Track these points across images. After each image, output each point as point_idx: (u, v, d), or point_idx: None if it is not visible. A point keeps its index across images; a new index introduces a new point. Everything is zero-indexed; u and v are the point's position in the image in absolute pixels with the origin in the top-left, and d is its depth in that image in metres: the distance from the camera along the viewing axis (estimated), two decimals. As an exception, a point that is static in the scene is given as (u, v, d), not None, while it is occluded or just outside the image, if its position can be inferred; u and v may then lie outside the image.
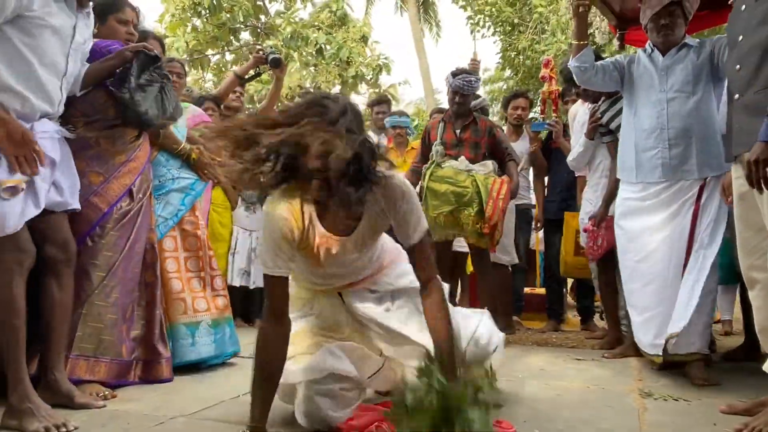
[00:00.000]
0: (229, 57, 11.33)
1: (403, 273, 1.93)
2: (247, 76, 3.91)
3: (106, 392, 2.14)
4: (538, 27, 10.06)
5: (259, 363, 1.62)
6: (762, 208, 1.89)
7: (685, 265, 2.52)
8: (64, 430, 1.73)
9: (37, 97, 1.92)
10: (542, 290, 4.77)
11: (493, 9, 10.50)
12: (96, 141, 2.28)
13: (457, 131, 3.55)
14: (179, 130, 2.86)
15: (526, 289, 4.92)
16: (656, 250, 2.59)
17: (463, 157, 3.47)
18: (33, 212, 1.88)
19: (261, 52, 3.80)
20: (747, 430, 1.76)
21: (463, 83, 3.52)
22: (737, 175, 1.99)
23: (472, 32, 10.76)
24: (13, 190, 1.80)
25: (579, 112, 3.69)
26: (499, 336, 1.91)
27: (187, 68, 3.60)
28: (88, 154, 2.26)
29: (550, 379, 2.54)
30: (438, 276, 1.74)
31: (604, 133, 3.31)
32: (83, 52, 2.18)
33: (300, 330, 1.86)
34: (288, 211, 1.62)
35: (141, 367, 2.41)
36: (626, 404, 2.12)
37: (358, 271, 1.87)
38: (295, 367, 1.73)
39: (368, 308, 1.89)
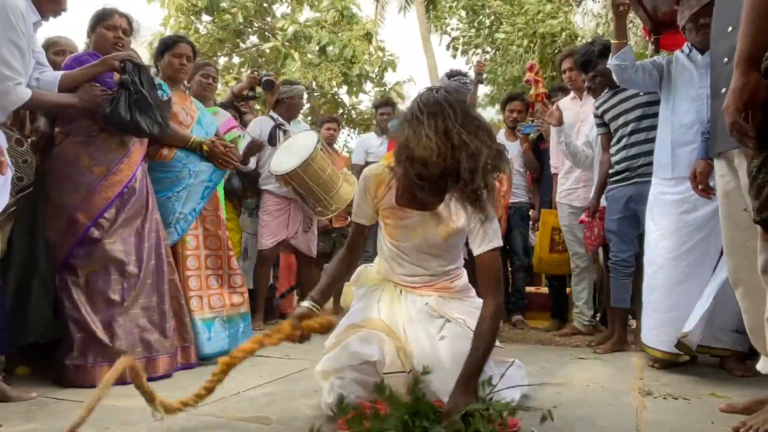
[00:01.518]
0: (236, 60, 11.38)
1: (470, 313, 1.94)
2: (244, 94, 4.10)
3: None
4: (502, 50, 10.54)
5: (329, 269, 2.12)
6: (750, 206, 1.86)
7: (716, 265, 2.52)
8: None
9: None
10: (546, 289, 4.77)
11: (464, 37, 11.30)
12: (75, 156, 2.38)
13: None
14: (206, 130, 2.91)
15: (531, 289, 4.92)
16: (694, 248, 2.58)
17: None
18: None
19: (256, 73, 4.02)
20: (744, 428, 1.75)
21: (458, 85, 3.58)
22: (722, 173, 1.93)
23: (454, 56, 11.40)
24: None
25: (564, 107, 3.75)
26: (519, 390, 1.95)
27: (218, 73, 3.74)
28: (69, 170, 2.36)
29: (551, 376, 2.54)
30: (498, 296, 1.83)
31: (599, 124, 3.35)
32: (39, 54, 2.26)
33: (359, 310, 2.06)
34: (376, 175, 1.99)
35: (179, 353, 2.58)
36: (625, 402, 2.11)
37: (429, 267, 2.03)
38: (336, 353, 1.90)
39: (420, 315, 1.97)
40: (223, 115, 3.52)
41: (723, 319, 2.52)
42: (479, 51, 11.26)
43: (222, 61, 11.22)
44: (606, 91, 3.29)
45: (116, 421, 1.80)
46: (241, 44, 11.11)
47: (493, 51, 11.16)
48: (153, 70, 3.03)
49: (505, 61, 10.57)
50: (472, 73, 4.05)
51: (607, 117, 3.26)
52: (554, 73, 8.87)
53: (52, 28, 22.64)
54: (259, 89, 4.18)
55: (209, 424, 1.81)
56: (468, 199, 1.68)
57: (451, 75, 3.65)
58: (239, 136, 3.61)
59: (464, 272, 2.15)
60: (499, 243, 1.87)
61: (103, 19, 2.56)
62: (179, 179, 2.76)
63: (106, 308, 2.36)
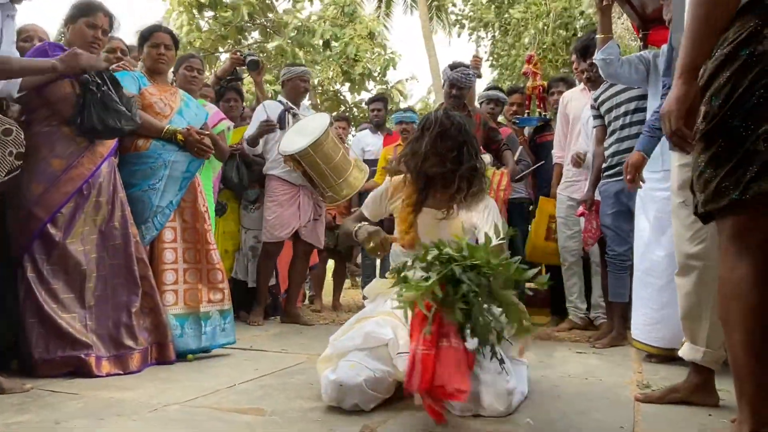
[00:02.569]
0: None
1: None
2: (228, 77, 4.04)
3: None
4: (515, 32, 10.29)
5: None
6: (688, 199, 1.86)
7: None
8: None
9: None
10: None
11: (475, 13, 10.85)
12: (35, 147, 2.29)
13: None
14: (188, 121, 2.85)
15: (531, 285, 4.88)
16: None
17: None
18: None
19: (239, 54, 3.95)
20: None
21: (461, 76, 3.56)
22: (682, 162, 1.92)
23: (459, 35, 11.15)
24: None
25: (573, 98, 3.72)
26: (522, 393, 1.93)
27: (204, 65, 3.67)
28: (29, 161, 2.24)
29: (549, 370, 2.53)
30: None
31: (595, 116, 3.34)
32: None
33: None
34: (396, 179, 2.35)
35: (155, 350, 2.54)
36: (623, 396, 2.10)
37: None
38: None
39: None
40: (210, 108, 3.43)
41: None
42: (487, 32, 10.97)
43: (224, 57, 11.20)
44: (605, 82, 3.26)
45: (110, 414, 1.79)
46: (243, 41, 11.09)
47: (502, 31, 10.80)
48: (140, 65, 3.01)
49: (516, 42, 10.25)
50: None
51: (603, 109, 3.25)
52: (567, 57, 8.76)
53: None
54: (243, 70, 4.11)
55: (203, 416, 1.80)
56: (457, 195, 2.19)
57: (454, 66, 3.63)
58: (227, 128, 3.56)
59: None
60: (504, 241, 1.94)
61: (85, 14, 2.47)
62: (154, 171, 2.68)
63: (69, 305, 2.31)
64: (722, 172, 1.34)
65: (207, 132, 2.91)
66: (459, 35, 11.77)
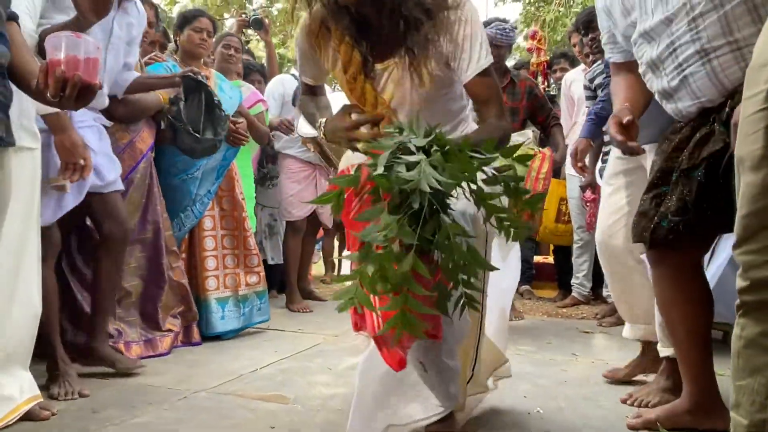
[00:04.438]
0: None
1: None
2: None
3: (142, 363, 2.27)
4: (564, 0, 9.80)
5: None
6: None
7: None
8: (77, 396, 1.92)
9: None
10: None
11: None
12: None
13: None
14: (231, 103, 2.90)
15: (539, 258, 4.98)
16: None
17: None
18: (72, 203, 2.03)
19: (244, 15, 3.91)
20: (631, 400, 1.91)
21: (497, 32, 3.01)
22: (619, 155, 2.09)
23: (496, 4, 10.68)
24: (60, 188, 1.94)
25: (576, 79, 3.68)
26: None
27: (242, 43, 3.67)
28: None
29: (556, 353, 2.62)
30: (506, 120, 1.50)
31: (588, 97, 3.22)
32: (125, 48, 2.26)
33: None
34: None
35: (183, 332, 2.67)
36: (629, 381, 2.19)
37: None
38: None
39: None
40: (247, 89, 3.41)
41: (725, 295, 2.56)
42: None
43: (228, 23, 11.07)
44: (598, 62, 3.12)
45: (142, 402, 1.90)
46: (248, 5, 10.96)
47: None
48: (170, 46, 3.04)
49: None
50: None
51: (594, 83, 3.14)
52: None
53: None
54: (250, 32, 4.08)
55: (230, 403, 1.91)
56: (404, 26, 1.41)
57: (488, 23, 3.08)
58: (265, 110, 3.49)
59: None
60: (490, 60, 1.46)
61: (190, 22, 2.83)
62: (193, 160, 2.76)
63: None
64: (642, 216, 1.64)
65: (240, 121, 2.95)
66: (496, 4, 11.25)
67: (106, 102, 2.24)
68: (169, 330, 2.58)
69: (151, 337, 2.51)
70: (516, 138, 3.02)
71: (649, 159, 1.96)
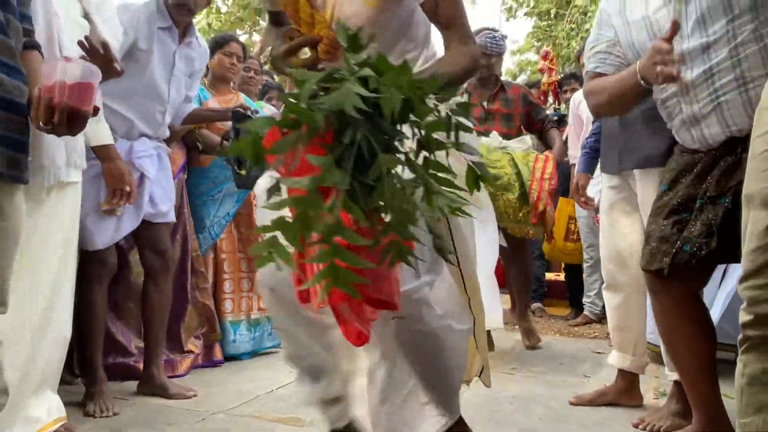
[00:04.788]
0: (256, 38, 11.38)
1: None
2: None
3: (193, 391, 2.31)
4: (576, 17, 9.81)
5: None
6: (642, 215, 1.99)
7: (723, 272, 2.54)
8: (111, 414, 1.99)
9: (141, 122, 2.17)
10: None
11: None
12: None
13: (484, 103, 3.14)
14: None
15: (550, 276, 4.99)
16: None
17: (495, 133, 3.03)
18: (129, 228, 2.12)
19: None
20: (642, 425, 1.93)
21: (487, 40, 3.01)
22: (611, 185, 2.15)
23: (508, 19, 10.73)
24: (110, 212, 2.03)
25: (584, 99, 3.68)
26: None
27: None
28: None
29: (568, 375, 2.64)
30: (473, 43, 1.28)
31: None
32: (186, 81, 2.35)
33: None
34: None
35: (204, 353, 2.72)
36: (640, 405, 2.20)
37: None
38: None
39: None
40: (268, 109, 3.50)
41: (736, 316, 2.55)
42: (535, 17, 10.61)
43: (242, 40, 11.23)
44: None
45: (162, 422, 1.94)
46: (261, 22, 11.11)
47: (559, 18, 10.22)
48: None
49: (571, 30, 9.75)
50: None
51: None
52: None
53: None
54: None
55: (247, 426, 1.95)
56: None
57: (479, 31, 3.04)
58: None
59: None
60: None
61: (221, 46, 2.86)
62: (216, 185, 2.83)
63: (123, 314, 2.49)
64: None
65: None
66: (508, 19, 11.00)
67: (167, 133, 2.33)
68: (190, 351, 2.63)
69: (172, 358, 2.55)
70: (515, 145, 3.03)
71: (639, 184, 2.01)
